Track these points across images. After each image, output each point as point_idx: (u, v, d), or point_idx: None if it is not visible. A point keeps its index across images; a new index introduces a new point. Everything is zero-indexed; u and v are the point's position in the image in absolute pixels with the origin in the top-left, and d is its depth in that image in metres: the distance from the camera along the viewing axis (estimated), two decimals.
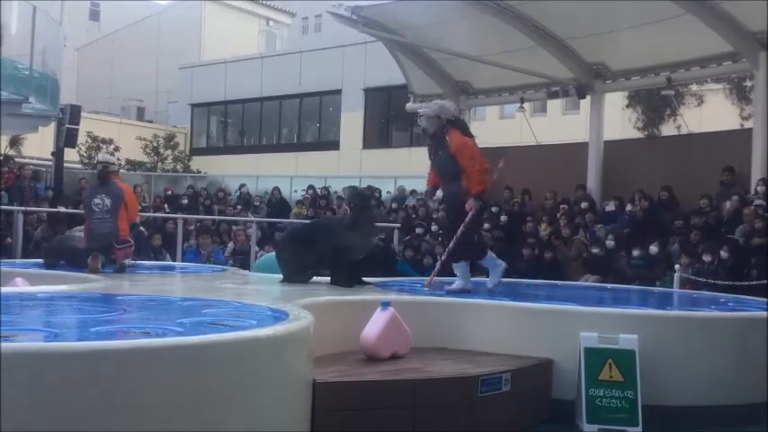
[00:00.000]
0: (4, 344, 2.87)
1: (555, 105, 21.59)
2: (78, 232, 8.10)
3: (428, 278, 7.18)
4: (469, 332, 5.62)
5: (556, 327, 5.41)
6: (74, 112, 16.19)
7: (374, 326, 5.03)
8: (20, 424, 2.83)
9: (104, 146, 23.79)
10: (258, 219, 15.35)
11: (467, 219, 6.55)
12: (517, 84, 15.66)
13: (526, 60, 14.24)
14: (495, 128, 21.80)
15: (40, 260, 8.37)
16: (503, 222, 14.32)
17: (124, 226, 7.61)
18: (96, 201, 7.53)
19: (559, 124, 21.00)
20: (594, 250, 12.05)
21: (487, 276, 7.13)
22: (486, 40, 14.66)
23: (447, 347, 5.56)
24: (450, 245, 6.70)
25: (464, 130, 6.79)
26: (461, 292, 6.49)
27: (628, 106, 20.06)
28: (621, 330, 5.17)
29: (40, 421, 2.87)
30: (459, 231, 6.59)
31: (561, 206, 14.11)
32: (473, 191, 6.55)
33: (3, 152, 18.73)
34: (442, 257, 7.05)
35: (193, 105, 30.89)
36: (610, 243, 11.98)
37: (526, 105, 16.26)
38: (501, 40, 14.19)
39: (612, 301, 7.26)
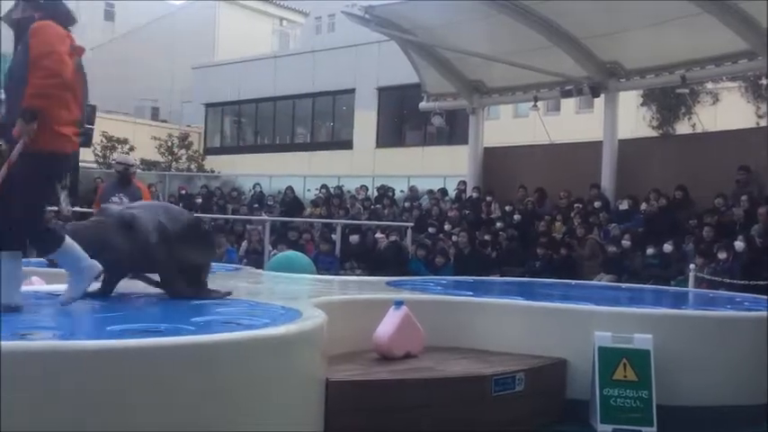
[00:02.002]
0: (17, 343, 2.88)
1: (568, 104, 21.50)
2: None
3: None
4: (483, 332, 5.60)
5: (570, 326, 5.39)
6: (89, 112, 16.26)
7: (387, 325, 5.02)
8: (25, 424, 2.82)
9: (119, 146, 23.92)
10: (271, 218, 15.37)
11: (12, 154, 3.90)
12: (531, 82, 15.62)
13: (540, 59, 14.19)
14: (508, 127, 21.76)
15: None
16: (516, 221, 14.33)
17: None
18: (114, 199, 7.64)
19: (573, 123, 20.91)
20: (611, 249, 12.01)
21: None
22: (499, 39, 14.63)
23: (460, 347, 5.54)
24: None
25: (66, 22, 4.17)
26: (11, 312, 3.88)
27: (642, 105, 19.95)
28: (636, 330, 5.13)
29: (45, 420, 2.86)
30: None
31: (575, 205, 14.07)
32: (26, 101, 3.87)
33: None
34: None
35: (207, 105, 30.97)
36: (626, 243, 11.93)
37: (540, 104, 16.21)
38: (514, 39, 14.15)
39: (627, 301, 7.22)
